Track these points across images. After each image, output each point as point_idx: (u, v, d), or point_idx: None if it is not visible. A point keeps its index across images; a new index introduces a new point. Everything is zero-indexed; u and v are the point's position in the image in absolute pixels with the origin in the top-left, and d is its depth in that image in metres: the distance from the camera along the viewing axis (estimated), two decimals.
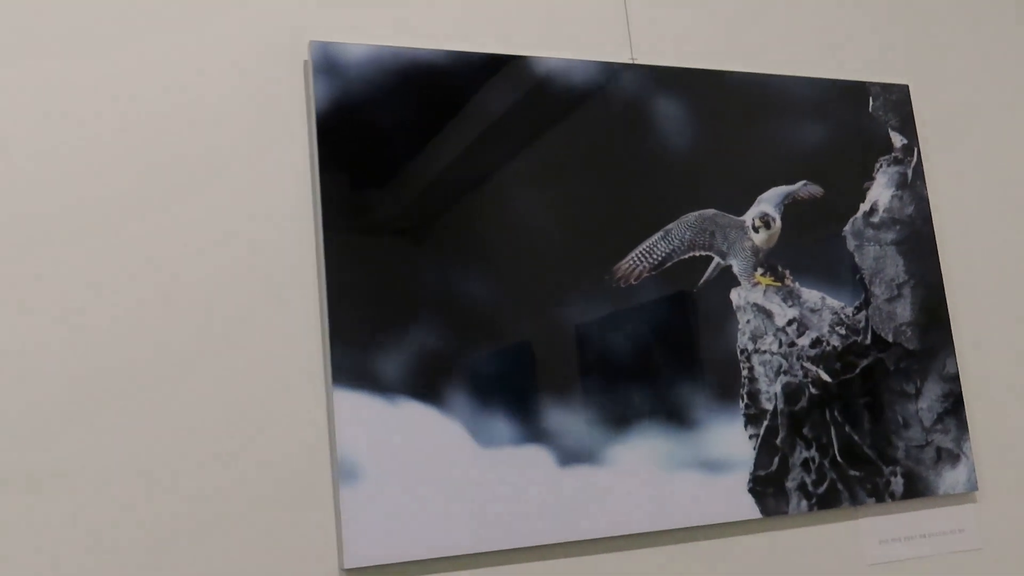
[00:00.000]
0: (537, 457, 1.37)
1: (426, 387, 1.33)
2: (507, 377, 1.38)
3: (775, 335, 1.56)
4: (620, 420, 1.42)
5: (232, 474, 1.23)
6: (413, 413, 1.32)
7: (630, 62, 1.58)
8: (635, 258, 1.49)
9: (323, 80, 1.36)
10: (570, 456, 1.39)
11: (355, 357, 1.30)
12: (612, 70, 1.54)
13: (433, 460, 1.32)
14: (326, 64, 1.37)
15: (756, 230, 1.58)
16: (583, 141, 1.50)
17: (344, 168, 1.35)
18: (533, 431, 1.37)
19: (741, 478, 1.48)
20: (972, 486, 1.64)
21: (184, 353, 1.24)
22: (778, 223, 1.59)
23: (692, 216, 1.54)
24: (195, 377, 1.24)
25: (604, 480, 1.40)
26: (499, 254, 1.41)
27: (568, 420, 1.39)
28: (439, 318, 1.36)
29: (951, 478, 1.63)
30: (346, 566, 1.25)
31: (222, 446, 1.24)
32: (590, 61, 1.53)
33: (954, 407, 1.66)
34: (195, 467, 1.22)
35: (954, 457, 1.64)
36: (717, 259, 1.55)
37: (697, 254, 1.54)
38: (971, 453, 1.65)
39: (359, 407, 1.29)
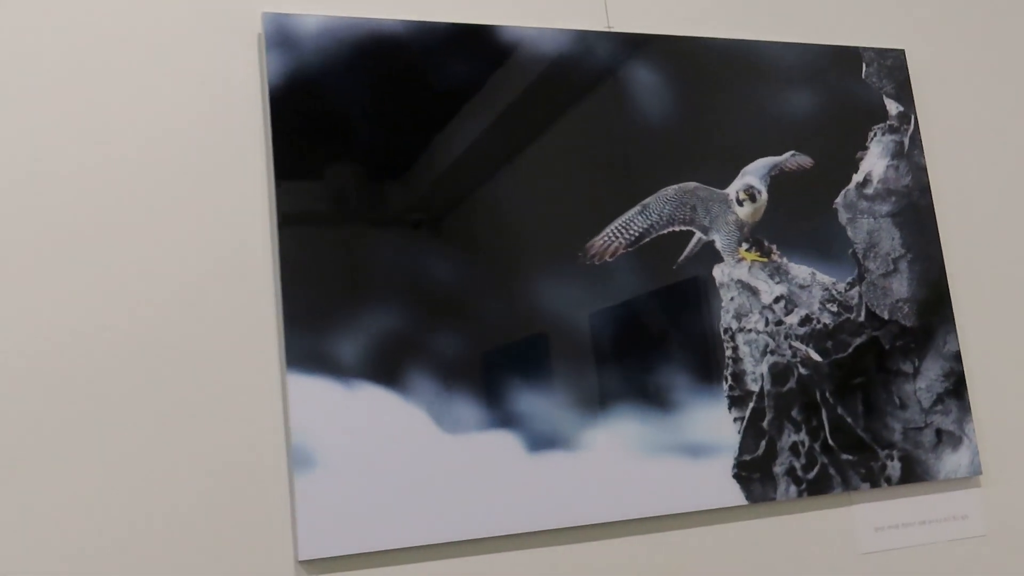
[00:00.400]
0: (505, 443, 1.31)
1: (385, 370, 1.27)
2: (472, 359, 1.31)
3: (761, 313, 1.48)
4: (594, 403, 1.36)
5: (183, 462, 1.18)
6: (372, 398, 1.26)
7: (606, 30, 1.51)
8: (610, 234, 1.42)
9: (276, 54, 1.31)
10: (540, 441, 1.33)
11: (310, 340, 1.25)
12: (586, 38, 1.47)
13: (393, 447, 1.26)
14: (279, 37, 1.31)
15: (740, 203, 1.50)
16: (554, 114, 1.44)
17: (299, 145, 1.30)
18: (500, 415, 1.31)
19: (725, 463, 1.41)
20: (976, 470, 1.55)
21: (133, 336, 1.19)
22: (764, 196, 1.52)
23: (672, 189, 1.47)
24: (144, 362, 1.19)
25: (577, 466, 1.34)
26: (463, 231, 1.35)
27: (538, 403, 1.33)
28: (400, 298, 1.30)
29: (952, 462, 1.54)
30: (301, 557, 1.20)
31: (172, 433, 1.19)
32: (562, 29, 1.46)
33: (955, 387, 1.57)
34: (144, 455, 1.17)
35: (956, 440, 1.55)
36: (699, 234, 1.47)
37: (677, 229, 1.47)
38: (974, 435, 1.56)
39: (314, 392, 1.24)
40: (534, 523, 1.30)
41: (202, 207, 1.25)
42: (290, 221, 1.27)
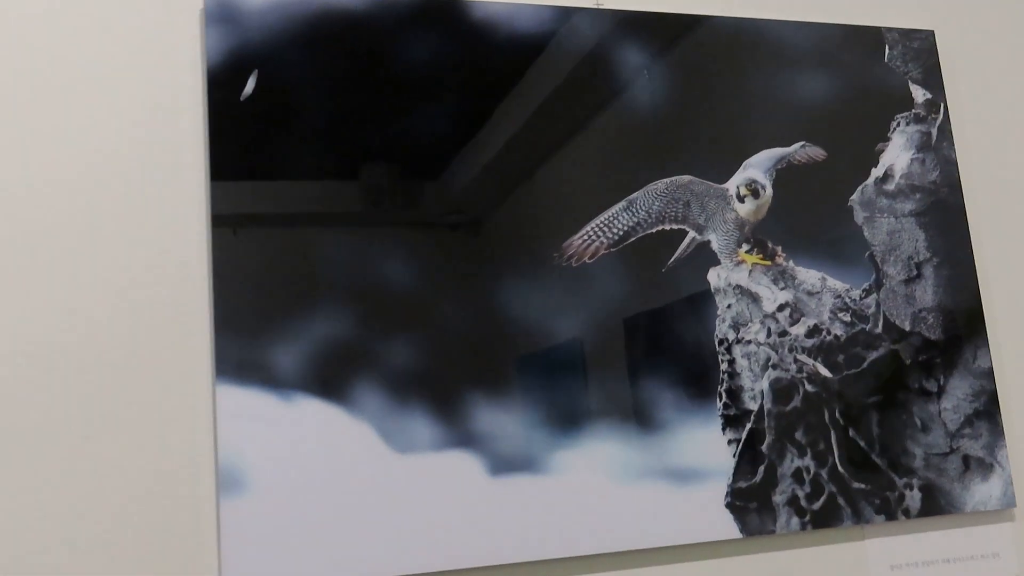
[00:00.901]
0: (463, 465, 1.17)
1: (329, 382, 1.14)
2: (429, 372, 1.18)
3: (762, 323, 1.32)
4: (566, 421, 1.21)
5: (103, 479, 1.06)
6: (312, 412, 1.13)
7: (595, 6, 1.36)
8: (591, 233, 1.27)
9: (217, 31, 1.18)
10: (503, 464, 1.18)
11: (244, 348, 1.12)
12: (566, 15, 1.33)
13: (335, 467, 1.13)
14: (221, 12, 1.19)
15: (741, 199, 1.34)
16: (528, 99, 1.30)
17: (239, 131, 1.17)
18: (459, 434, 1.17)
19: (717, 491, 1.25)
20: (1009, 502, 1.38)
21: (55, 341, 1.08)
22: (768, 191, 1.36)
23: (662, 184, 1.32)
24: (64, 371, 1.07)
25: (546, 492, 1.19)
26: (420, 231, 1.22)
27: (502, 421, 1.19)
28: (347, 305, 1.16)
29: (982, 492, 1.37)
30: None
31: (92, 448, 1.06)
32: (544, 5, 1.32)
33: (987, 408, 1.39)
34: (61, 472, 1.05)
35: (986, 467, 1.38)
36: (692, 233, 1.32)
37: (668, 228, 1.31)
38: (1008, 463, 1.39)
39: (246, 405, 1.11)
40: (495, 556, 1.16)
41: (135, 203, 1.13)
42: (227, 220, 1.15)
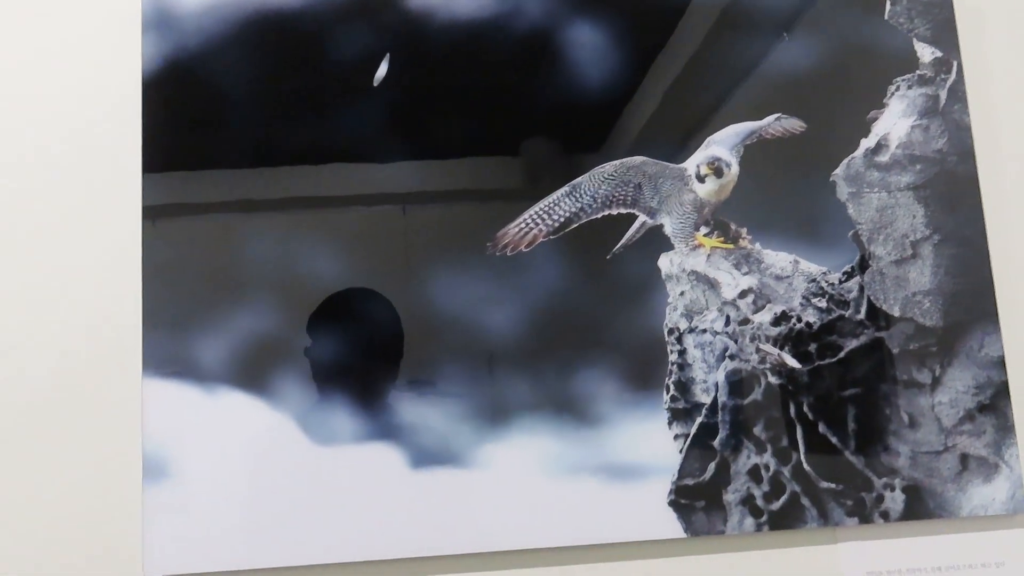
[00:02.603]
0: (384, 457, 1.18)
1: (251, 375, 1.17)
2: (351, 364, 1.19)
3: (720, 310, 1.24)
4: (494, 414, 1.19)
5: (32, 468, 1.15)
6: (234, 404, 1.17)
7: None
8: (528, 220, 1.24)
9: (153, 36, 1.23)
10: (426, 456, 1.18)
11: (170, 342, 1.17)
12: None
13: (256, 458, 1.16)
14: (157, 18, 1.24)
15: (702, 179, 1.26)
16: (466, 84, 1.27)
17: (172, 134, 1.22)
18: (381, 426, 1.18)
19: (660, 488, 1.20)
20: (1018, 506, 1.23)
21: None
22: (734, 169, 1.27)
23: (610, 166, 1.26)
24: None
25: (470, 485, 1.18)
26: (348, 222, 1.22)
27: (425, 413, 1.18)
28: (271, 298, 1.19)
29: (983, 495, 1.23)
30: (147, 575, 1.13)
31: (22, 439, 1.15)
32: None
33: (993, 401, 1.25)
34: None
35: (989, 467, 1.24)
36: (643, 217, 1.26)
37: (615, 212, 1.26)
38: (1018, 463, 1.24)
39: (171, 397, 1.16)
40: (414, 548, 1.16)
41: (70, 199, 1.21)
42: (157, 215, 1.20)
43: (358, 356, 1.19)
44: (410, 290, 1.20)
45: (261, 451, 1.16)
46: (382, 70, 1.21)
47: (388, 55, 1.23)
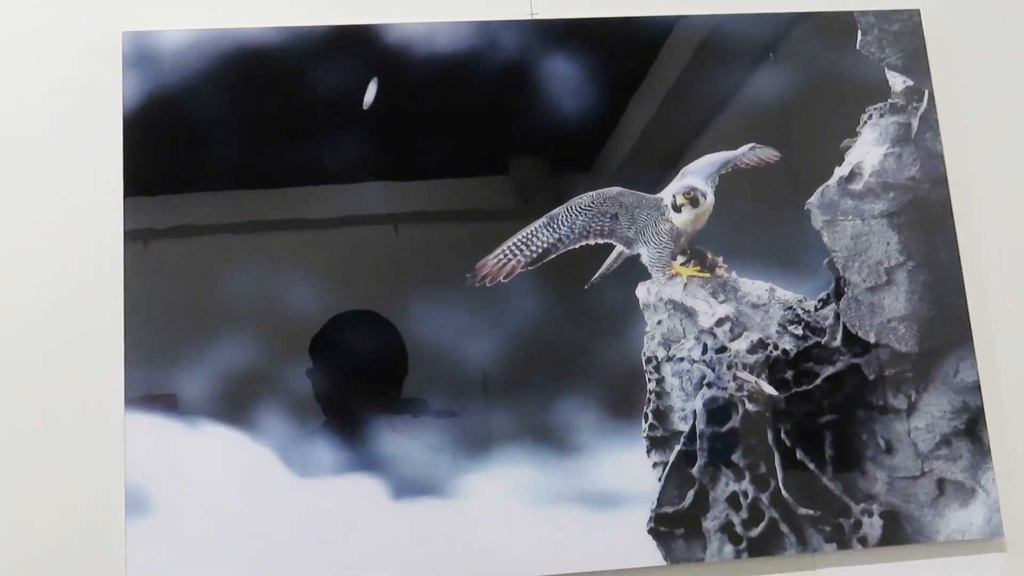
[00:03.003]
0: (365, 488, 1.18)
1: (232, 409, 1.18)
2: (332, 397, 1.20)
3: (697, 339, 1.26)
4: (474, 445, 1.20)
5: (15, 499, 1.15)
6: (216, 438, 1.18)
7: (530, 18, 1.33)
8: (507, 251, 1.25)
9: (134, 74, 1.25)
10: (407, 487, 1.19)
11: (152, 376, 1.18)
12: (487, 30, 1.31)
13: (238, 491, 1.17)
14: (138, 56, 1.25)
15: (678, 209, 1.28)
16: (447, 117, 1.28)
17: (152, 168, 1.23)
18: (361, 458, 1.19)
19: (639, 516, 1.21)
20: (994, 531, 1.24)
21: None
22: (709, 199, 1.29)
23: (587, 197, 1.28)
24: None
25: (452, 516, 1.18)
26: (329, 255, 1.24)
27: (405, 445, 1.19)
28: (252, 331, 1.20)
29: (960, 520, 1.24)
30: None
31: (4, 474, 1.16)
32: (456, 22, 1.30)
33: (969, 426, 1.26)
34: None
35: (966, 492, 1.25)
36: (620, 247, 1.27)
37: (593, 243, 1.27)
38: (994, 487, 1.25)
39: (152, 431, 1.17)
40: None
41: (56, 238, 1.22)
42: (138, 249, 1.21)
43: (361, 375, 1.20)
44: (387, 322, 1.22)
45: (242, 483, 1.17)
46: (371, 93, 1.23)
47: (376, 79, 1.24)
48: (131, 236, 1.21)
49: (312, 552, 1.16)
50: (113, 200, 1.23)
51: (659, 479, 1.22)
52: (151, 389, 1.18)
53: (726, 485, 1.22)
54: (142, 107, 1.24)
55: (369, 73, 1.27)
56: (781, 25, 1.35)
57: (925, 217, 1.31)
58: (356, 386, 1.21)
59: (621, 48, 1.32)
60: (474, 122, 1.29)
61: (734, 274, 1.28)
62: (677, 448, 1.23)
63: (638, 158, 1.30)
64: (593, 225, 1.27)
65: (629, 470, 1.21)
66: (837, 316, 1.27)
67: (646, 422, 1.23)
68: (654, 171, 1.30)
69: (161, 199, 1.23)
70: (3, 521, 1.15)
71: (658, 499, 1.21)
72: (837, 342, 1.27)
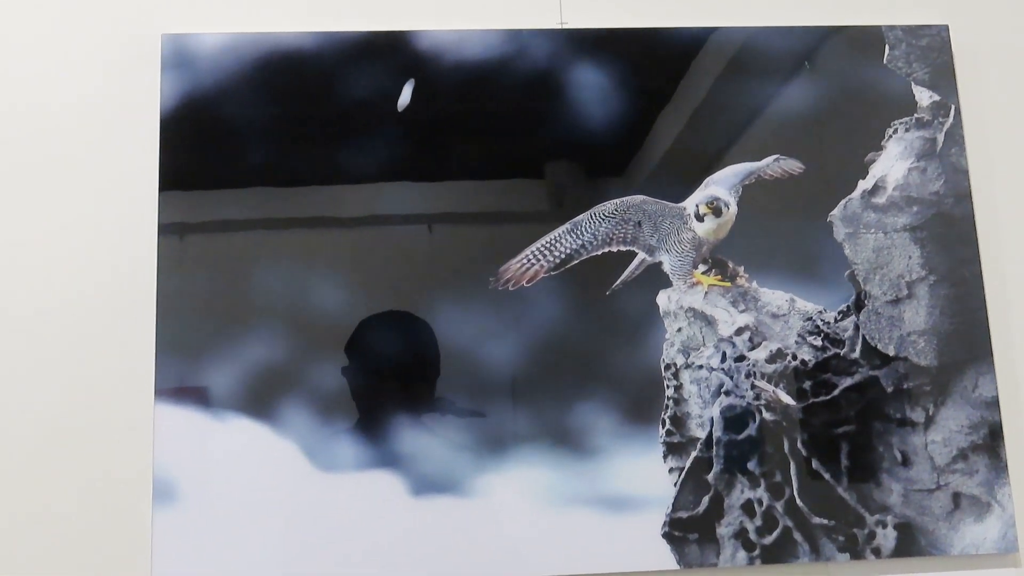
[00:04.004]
0: (385, 484, 1.21)
1: (259, 403, 1.21)
2: (356, 394, 1.22)
3: (717, 347, 1.27)
4: (493, 444, 1.22)
5: (49, 489, 1.19)
6: (242, 431, 1.21)
7: (559, 27, 1.35)
8: (531, 256, 1.27)
9: (172, 75, 1.28)
10: (426, 485, 1.21)
11: (182, 369, 1.21)
12: (517, 38, 1.33)
13: (261, 483, 1.20)
14: (176, 58, 1.29)
15: (700, 218, 1.30)
16: (478, 122, 1.31)
17: (188, 166, 1.27)
18: (382, 455, 1.21)
19: (654, 520, 1.22)
20: (1009, 546, 1.25)
21: (5, 354, 1.22)
22: (732, 209, 1.30)
23: (611, 205, 1.30)
24: (15, 381, 1.21)
25: (469, 514, 1.21)
26: (360, 254, 1.26)
27: (425, 443, 1.22)
28: (282, 328, 1.23)
29: (975, 534, 1.25)
30: None
31: (36, 461, 1.20)
32: (486, 30, 1.33)
33: (987, 441, 1.27)
34: (11, 480, 1.19)
35: (982, 507, 1.25)
36: (642, 255, 1.29)
37: (615, 250, 1.29)
38: (1010, 503, 1.25)
39: (182, 423, 1.20)
40: (413, 573, 1.19)
41: (93, 233, 1.26)
42: (171, 245, 1.24)
43: (398, 375, 1.23)
44: (411, 322, 1.24)
45: (265, 476, 1.20)
46: (406, 95, 1.26)
47: (412, 81, 1.27)
48: (165, 230, 1.24)
49: (331, 545, 1.18)
50: (149, 195, 1.26)
51: (675, 484, 1.23)
52: (181, 381, 1.21)
53: (741, 492, 1.24)
54: (179, 106, 1.27)
55: (401, 78, 1.30)
56: (810, 39, 1.36)
57: (948, 232, 1.32)
58: (391, 385, 1.23)
59: (652, 59, 1.34)
60: (505, 127, 1.31)
61: (755, 284, 1.29)
62: (693, 454, 1.24)
63: (670, 167, 1.31)
64: (616, 232, 1.29)
65: (645, 474, 1.23)
66: (857, 328, 1.28)
67: (663, 428, 1.25)
68: (686, 180, 1.31)
69: (196, 194, 1.26)
70: (32, 508, 1.19)
71: (673, 504, 1.23)
72: (856, 354, 1.28)
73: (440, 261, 1.26)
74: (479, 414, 1.21)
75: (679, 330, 1.27)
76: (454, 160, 1.29)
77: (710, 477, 1.24)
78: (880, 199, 1.32)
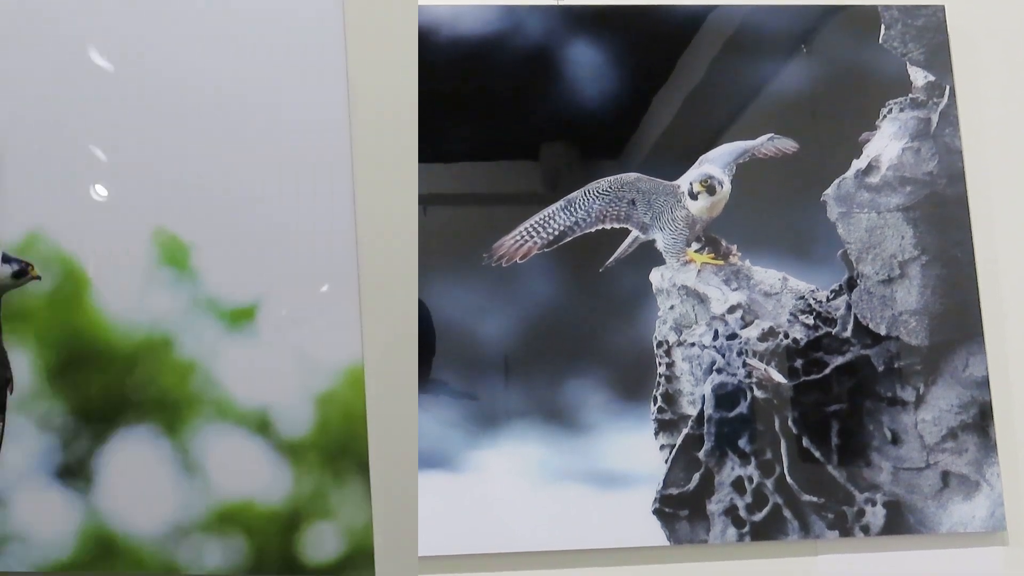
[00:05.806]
0: None
1: None
2: None
3: (709, 325, 1.28)
4: (485, 420, 1.23)
5: None
6: None
7: (556, 3, 1.35)
8: (524, 233, 1.27)
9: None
10: (419, 460, 1.22)
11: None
12: (515, 14, 1.33)
13: None
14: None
15: (694, 196, 1.30)
16: (473, 99, 1.31)
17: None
18: None
19: (645, 496, 1.23)
20: (997, 524, 1.26)
21: None
22: (726, 188, 1.30)
23: (604, 182, 1.30)
24: None
25: (461, 489, 1.22)
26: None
27: (421, 420, 1.22)
28: None
29: (963, 513, 1.26)
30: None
31: None
32: (482, 6, 1.32)
33: (977, 421, 1.28)
34: None
35: (970, 485, 1.26)
36: (636, 232, 1.29)
37: (608, 227, 1.29)
38: (998, 482, 1.26)
39: None
40: None
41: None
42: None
43: None
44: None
45: None
46: None
47: None
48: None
49: None
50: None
51: (666, 461, 1.24)
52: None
53: (732, 470, 1.24)
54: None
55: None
56: (807, 18, 1.35)
57: (941, 212, 1.32)
58: None
59: (650, 37, 1.34)
60: (500, 105, 1.31)
61: (748, 262, 1.29)
62: (685, 431, 1.25)
63: (666, 147, 1.31)
64: (610, 210, 1.29)
65: (636, 451, 1.24)
66: (849, 307, 1.29)
67: (655, 405, 1.25)
68: (682, 160, 1.31)
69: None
70: None
71: (664, 481, 1.23)
72: (848, 333, 1.28)
73: (434, 242, 1.26)
74: (472, 397, 1.22)
75: (672, 308, 1.28)
76: (449, 141, 1.29)
77: (701, 454, 1.24)
78: (874, 179, 1.32)
